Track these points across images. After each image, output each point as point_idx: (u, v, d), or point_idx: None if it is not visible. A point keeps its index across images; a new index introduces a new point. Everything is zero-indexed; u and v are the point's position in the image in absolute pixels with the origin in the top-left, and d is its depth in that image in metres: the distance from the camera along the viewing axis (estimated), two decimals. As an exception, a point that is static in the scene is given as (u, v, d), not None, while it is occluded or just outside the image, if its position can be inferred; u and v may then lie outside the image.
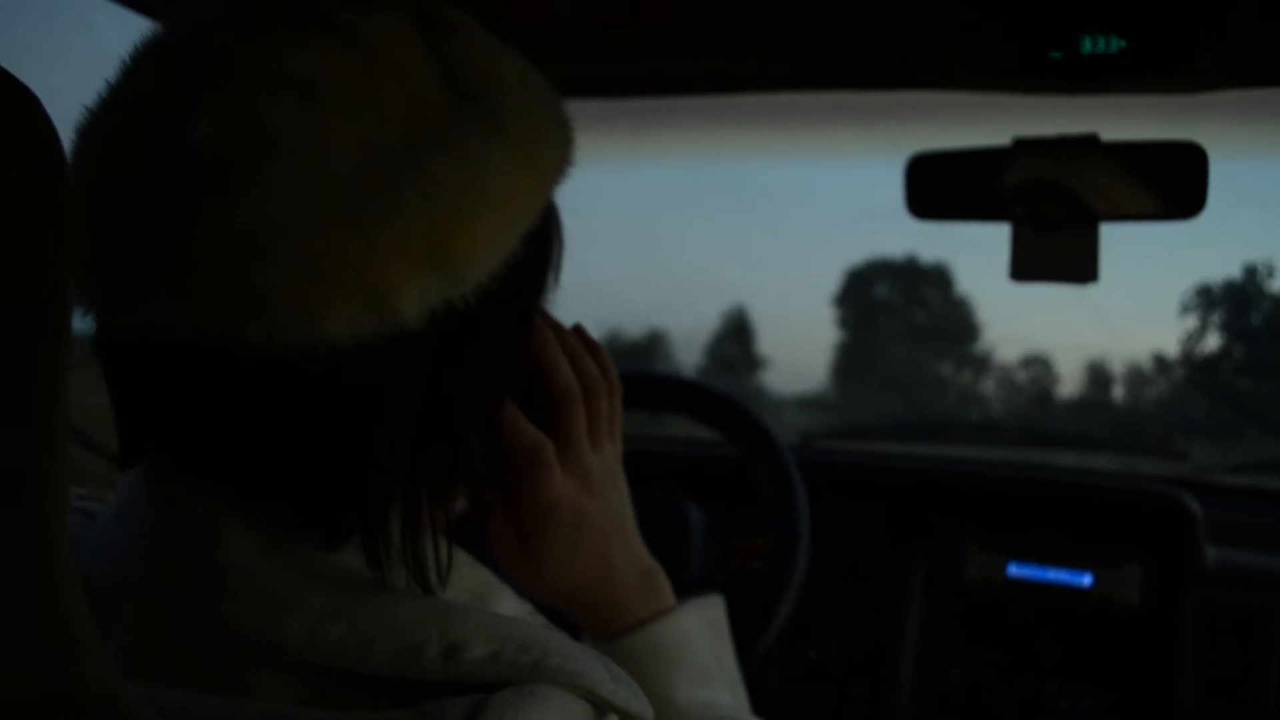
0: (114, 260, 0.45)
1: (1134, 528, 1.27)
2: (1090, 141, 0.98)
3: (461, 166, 0.46)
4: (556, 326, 0.63)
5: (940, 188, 1.05)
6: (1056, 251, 1.01)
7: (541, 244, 0.54)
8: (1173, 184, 0.95)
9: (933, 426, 1.63)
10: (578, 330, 0.66)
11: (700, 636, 0.74)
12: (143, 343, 0.47)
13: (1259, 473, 1.55)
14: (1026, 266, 1.02)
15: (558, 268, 0.58)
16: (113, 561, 0.51)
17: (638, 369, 1.17)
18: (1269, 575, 1.23)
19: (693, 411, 1.17)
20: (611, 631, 0.70)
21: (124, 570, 0.50)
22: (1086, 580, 1.26)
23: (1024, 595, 1.27)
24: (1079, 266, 1.01)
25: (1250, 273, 4.70)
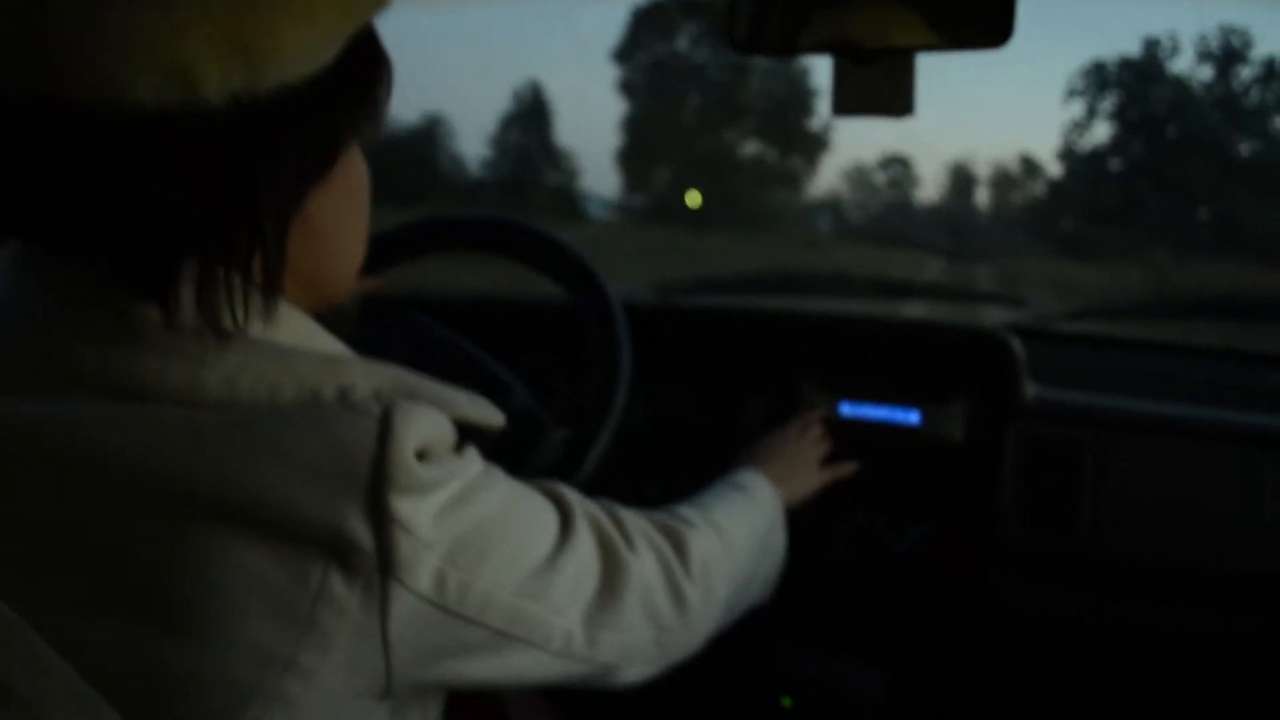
0: None
1: (960, 367, 1.32)
2: (907, -28, 0.98)
3: None
4: None
5: (763, 21, 1.04)
6: (874, 85, 1.01)
7: (356, 72, 0.61)
8: (983, 14, 0.96)
9: (787, 280, 1.68)
10: None
11: None
12: None
13: (1090, 319, 1.62)
14: (846, 100, 1.02)
15: (379, 108, 0.65)
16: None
17: (482, 214, 1.15)
18: (1083, 411, 1.29)
19: (522, 256, 1.16)
20: None
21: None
22: (914, 418, 1.31)
23: (855, 434, 1.31)
24: (896, 99, 1.01)
25: (1151, 48, 3.70)
